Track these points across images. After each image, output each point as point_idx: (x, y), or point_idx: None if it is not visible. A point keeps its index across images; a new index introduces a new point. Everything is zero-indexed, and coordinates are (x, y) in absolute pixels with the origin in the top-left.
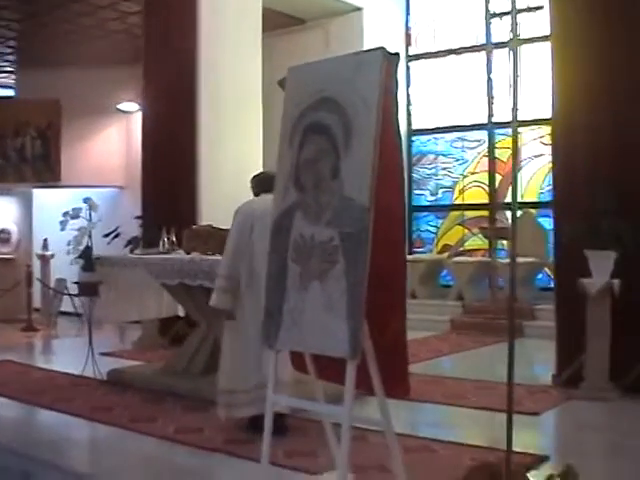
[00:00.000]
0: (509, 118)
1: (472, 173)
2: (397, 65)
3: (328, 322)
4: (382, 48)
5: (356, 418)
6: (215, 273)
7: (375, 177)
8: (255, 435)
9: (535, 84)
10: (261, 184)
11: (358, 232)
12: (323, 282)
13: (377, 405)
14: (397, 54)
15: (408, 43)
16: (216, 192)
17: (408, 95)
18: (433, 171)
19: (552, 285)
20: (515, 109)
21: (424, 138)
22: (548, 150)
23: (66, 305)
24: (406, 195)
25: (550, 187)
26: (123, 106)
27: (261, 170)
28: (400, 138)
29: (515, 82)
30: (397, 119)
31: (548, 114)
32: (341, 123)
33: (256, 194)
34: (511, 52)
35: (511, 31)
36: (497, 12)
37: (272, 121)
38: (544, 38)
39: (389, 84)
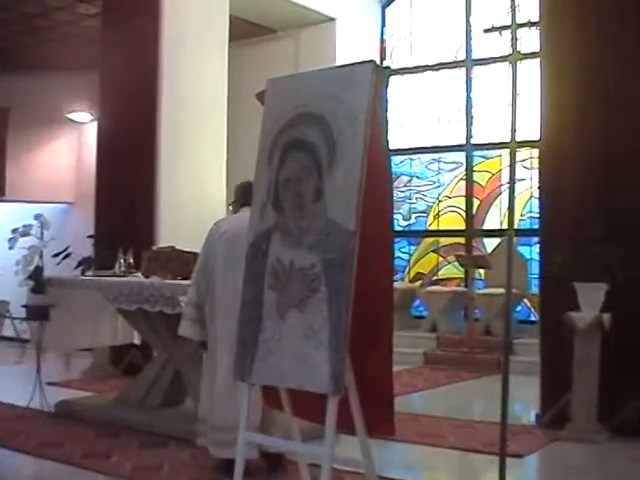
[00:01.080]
0: (489, 139)
1: (448, 197)
2: (388, 79)
3: (308, 354)
4: (372, 61)
5: (337, 459)
6: (177, 299)
7: (361, 199)
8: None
9: (520, 103)
10: (245, 195)
11: (342, 258)
12: (303, 311)
13: (357, 445)
14: (388, 67)
15: (383, 57)
16: (178, 210)
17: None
18: (407, 194)
19: (532, 318)
20: (514, 130)
21: (398, 158)
22: (530, 174)
23: (7, 329)
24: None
25: (530, 214)
26: (75, 116)
27: (247, 179)
28: (389, 159)
29: (514, 100)
30: (387, 138)
31: (532, 136)
32: (325, 140)
33: (240, 206)
34: (511, 67)
35: (511, 46)
36: (483, 26)
37: (238, 134)
38: (532, 55)
39: (378, 99)
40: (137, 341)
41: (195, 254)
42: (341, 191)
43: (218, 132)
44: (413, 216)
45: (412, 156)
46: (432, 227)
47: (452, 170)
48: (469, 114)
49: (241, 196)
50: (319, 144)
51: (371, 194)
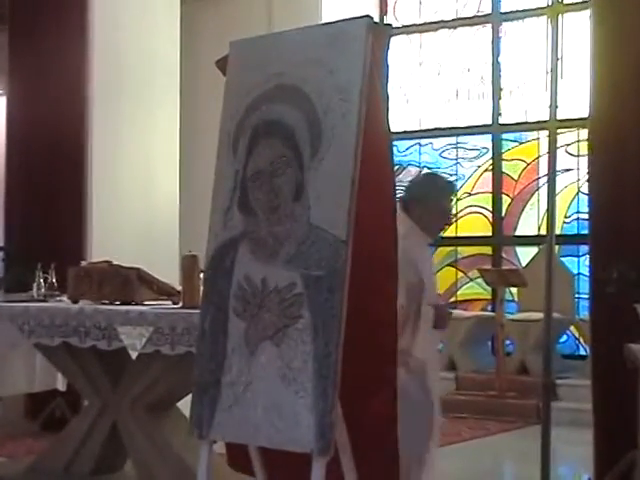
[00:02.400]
0: (522, 117)
1: (469, 194)
2: (389, 41)
3: (286, 401)
4: (368, 16)
5: None
6: (115, 330)
7: (355, 198)
8: None
9: (563, 70)
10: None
11: (330, 275)
12: (279, 344)
13: None
14: (389, 25)
15: (383, 12)
16: (116, 213)
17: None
18: None
19: (581, 351)
20: (554, 105)
21: (404, 144)
22: (576, 163)
23: None
24: None
25: (577, 216)
26: None
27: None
28: (392, 145)
29: (555, 66)
30: (388, 118)
31: (579, 112)
32: (307, 121)
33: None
34: (550, 22)
35: None
36: None
37: (195, 115)
38: (578, 5)
39: (377, 67)
40: (61, 387)
41: (139, 270)
42: (328, 188)
43: (169, 113)
44: None
45: (422, 141)
46: (448, 233)
47: (474, 159)
48: (496, 85)
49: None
50: (299, 127)
51: (368, 191)
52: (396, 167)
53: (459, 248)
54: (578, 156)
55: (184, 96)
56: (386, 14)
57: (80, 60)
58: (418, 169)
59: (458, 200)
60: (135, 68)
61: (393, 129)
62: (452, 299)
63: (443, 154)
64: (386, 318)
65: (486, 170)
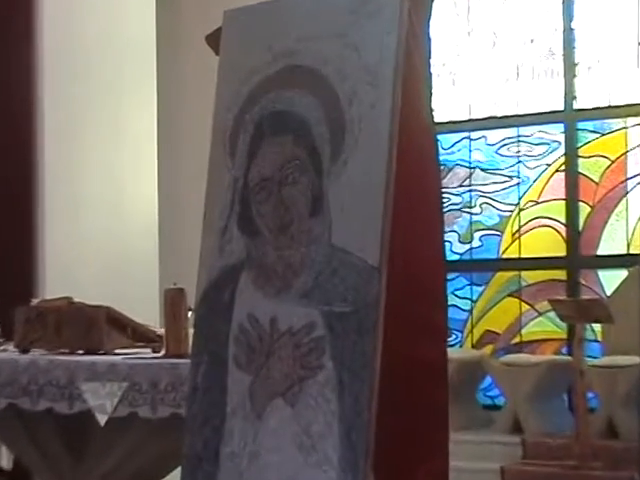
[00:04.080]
0: (605, 101)
1: (536, 202)
2: (431, 6)
3: (304, 478)
4: None
5: None
6: (78, 387)
7: (390, 210)
8: None
9: None
10: None
11: (360, 311)
12: (295, 404)
13: None
14: None
15: None
16: (77, 235)
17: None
18: (465, 198)
19: None
20: None
21: (450, 138)
22: None
23: None
24: None
25: None
26: None
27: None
28: (436, 140)
29: None
30: (430, 107)
31: None
32: (326, 113)
33: None
34: None
35: None
36: None
37: (176, 110)
38: None
39: (415, 41)
40: (6, 464)
41: (108, 309)
42: (355, 198)
43: (143, 109)
44: (476, 236)
45: (473, 134)
46: (509, 253)
47: (542, 156)
48: (569, 59)
49: None
50: (316, 120)
51: (407, 201)
52: (441, 168)
53: (523, 273)
54: None
55: (163, 88)
56: None
57: (26, 47)
58: (468, 170)
59: (521, 210)
60: (100, 48)
61: (438, 118)
62: (515, 339)
63: (500, 151)
64: (435, 365)
65: (557, 170)
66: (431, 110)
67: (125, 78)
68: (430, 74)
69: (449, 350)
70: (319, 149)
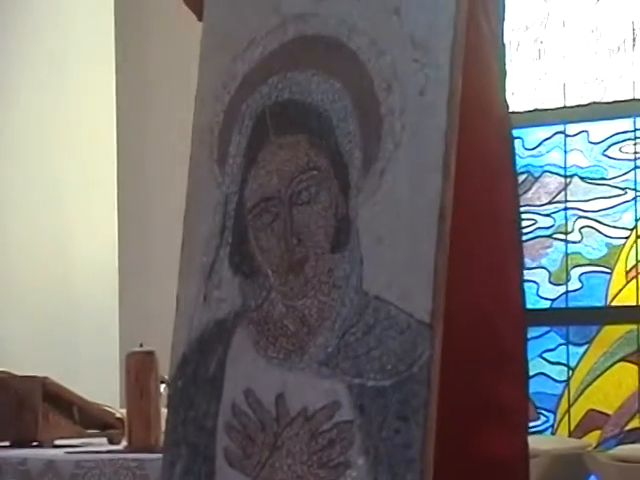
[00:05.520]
0: None
1: None
2: None
3: None
4: None
5: None
6: None
7: (446, 243)
8: None
9: None
10: None
11: (405, 387)
12: None
13: None
14: None
15: None
16: (3, 285)
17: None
18: (558, 220)
19: None
20: None
21: (537, 135)
22: None
23: None
24: None
25: None
26: None
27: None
28: (512, 139)
29: None
30: (504, 92)
31: None
32: (355, 102)
33: None
34: None
35: None
36: None
37: (142, 105)
38: None
39: (483, 10)
40: None
41: (45, 381)
42: (397, 225)
43: (99, 93)
44: (574, 273)
45: (569, 128)
46: (622, 300)
47: None
48: None
49: None
50: (341, 113)
51: (471, 229)
52: (521, 177)
53: None
54: None
55: (123, 59)
56: None
57: None
58: (563, 180)
59: (638, 238)
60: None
61: (514, 109)
62: (632, 424)
63: (609, 152)
64: (510, 464)
65: None
66: (505, 96)
67: (73, 73)
68: (504, 45)
69: (534, 440)
70: (345, 155)
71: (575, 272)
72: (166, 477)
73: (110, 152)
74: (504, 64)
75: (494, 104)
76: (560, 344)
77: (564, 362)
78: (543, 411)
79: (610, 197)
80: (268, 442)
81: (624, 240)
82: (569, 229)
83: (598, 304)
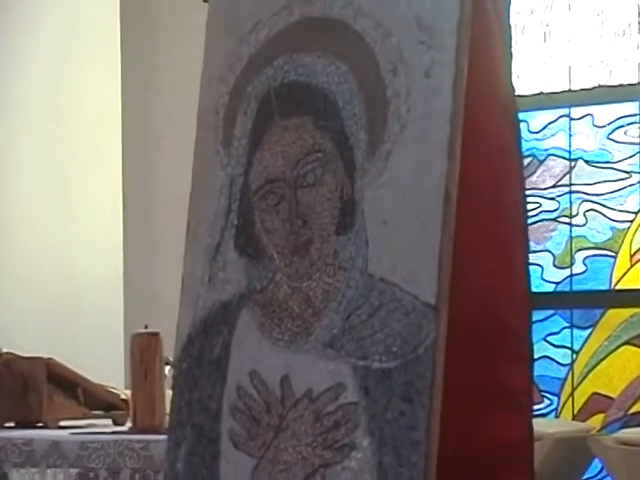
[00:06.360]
0: None
1: None
2: None
3: None
4: None
5: None
6: (5, 473)
7: (452, 225)
8: None
9: None
10: None
11: (409, 369)
12: None
13: None
14: None
15: None
16: (8, 268)
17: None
18: (563, 204)
19: None
20: None
21: (542, 118)
22: None
23: None
24: None
25: None
26: None
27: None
28: (518, 123)
29: None
30: (510, 75)
31: None
32: (361, 84)
33: None
34: None
35: None
36: None
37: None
38: None
39: None
40: None
41: (49, 362)
42: (402, 208)
43: (104, 85)
44: (579, 257)
45: (574, 111)
46: (627, 283)
47: None
48: None
49: None
50: (347, 95)
51: (476, 212)
52: (526, 160)
53: None
54: None
55: (128, 73)
56: None
57: None
58: (568, 163)
59: None
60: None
61: (519, 92)
62: (636, 407)
63: (614, 135)
64: (514, 446)
65: None
66: (511, 79)
67: (75, 72)
68: (509, 27)
69: (538, 423)
70: (350, 137)
71: (579, 255)
72: (171, 458)
73: (115, 132)
74: (510, 47)
75: (500, 87)
76: (564, 327)
77: (568, 345)
78: (547, 394)
79: (615, 180)
80: (273, 424)
81: (629, 224)
82: (574, 212)
83: (602, 287)
